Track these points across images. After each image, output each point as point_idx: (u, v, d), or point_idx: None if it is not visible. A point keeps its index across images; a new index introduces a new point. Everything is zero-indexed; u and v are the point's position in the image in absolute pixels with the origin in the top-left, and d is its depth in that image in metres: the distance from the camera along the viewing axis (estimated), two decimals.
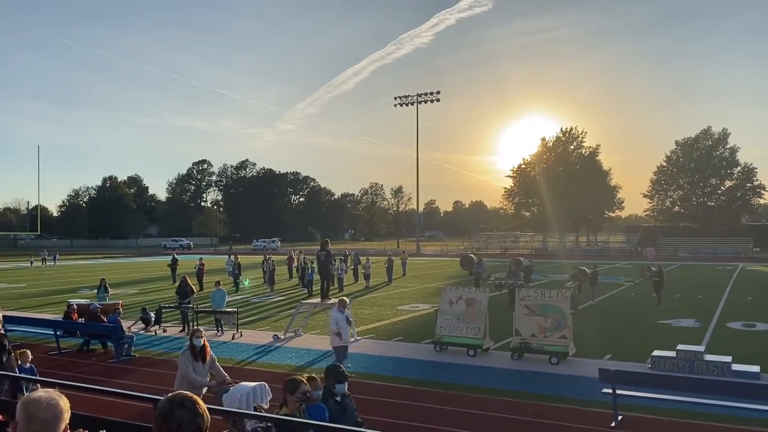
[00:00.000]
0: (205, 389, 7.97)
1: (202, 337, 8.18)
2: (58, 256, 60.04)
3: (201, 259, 33.96)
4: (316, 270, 25.26)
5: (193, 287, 20.45)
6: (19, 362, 9.34)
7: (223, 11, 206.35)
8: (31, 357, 9.70)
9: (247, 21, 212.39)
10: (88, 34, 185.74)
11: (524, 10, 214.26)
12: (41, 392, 2.44)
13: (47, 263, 55.17)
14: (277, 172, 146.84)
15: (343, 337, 12.21)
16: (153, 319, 18.35)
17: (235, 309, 18.04)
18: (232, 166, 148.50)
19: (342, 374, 6.66)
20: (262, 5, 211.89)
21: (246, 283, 31.72)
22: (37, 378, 8.71)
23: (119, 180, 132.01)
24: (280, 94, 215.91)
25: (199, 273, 30.92)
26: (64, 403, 2.40)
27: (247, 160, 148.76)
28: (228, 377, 8.18)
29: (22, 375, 8.65)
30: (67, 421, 2.40)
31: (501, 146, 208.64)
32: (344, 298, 13.24)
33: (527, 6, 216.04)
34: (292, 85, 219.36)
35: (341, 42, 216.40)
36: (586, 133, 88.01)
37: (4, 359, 8.63)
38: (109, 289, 22.22)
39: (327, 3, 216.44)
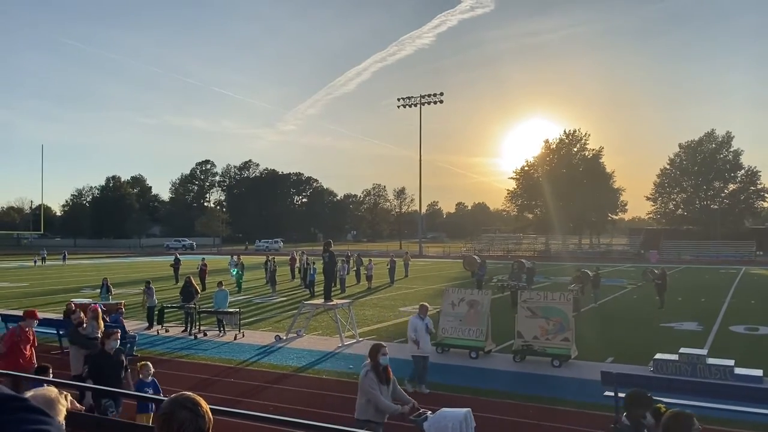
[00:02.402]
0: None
1: (387, 354, 7.05)
2: (67, 255, 60.38)
3: (203, 259, 34.00)
4: (318, 271, 25.33)
5: (197, 287, 20.47)
6: (140, 376, 8.43)
7: (224, 11, 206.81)
8: (153, 370, 8.70)
9: (248, 21, 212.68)
10: (89, 34, 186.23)
11: (526, 12, 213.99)
12: (32, 391, 2.46)
13: (46, 262, 55.26)
14: (280, 173, 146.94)
15: (421, 346, 11.43)
16: (156, 302, 19.05)
17: (238, 309, 18.05)
18: (235, 167, 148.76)
19: (650, 400, 5.45)
20: (262, 5, 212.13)
21: (234, 272, 31.42)
22: (160, 397, 7.67)
23: (122, 180, 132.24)
24: (282, 95, 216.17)
25: (202, 273, 30.97)
26: (54, 395, 2.40)
27: (250, 160, 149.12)
28: (414, 401, 6.98)
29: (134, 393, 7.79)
30: (64, 412, 2.40)
31: (504, 148, 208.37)
32: (425, 303, 12.36)
33: (529, 7, 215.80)
34: (293, 85, 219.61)
35: (342, 43, 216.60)
36: (589, 135, 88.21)
37: (122, 375, 8.15)
38: (112, 289, 22.26)
39: (328, 3, 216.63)
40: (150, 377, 8.48)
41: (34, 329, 10.20)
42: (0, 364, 9.39)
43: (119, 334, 8.83)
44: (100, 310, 10.85)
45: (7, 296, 27.56)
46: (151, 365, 8.68)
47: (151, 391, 8.07)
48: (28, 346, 9.86)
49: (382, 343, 7.24)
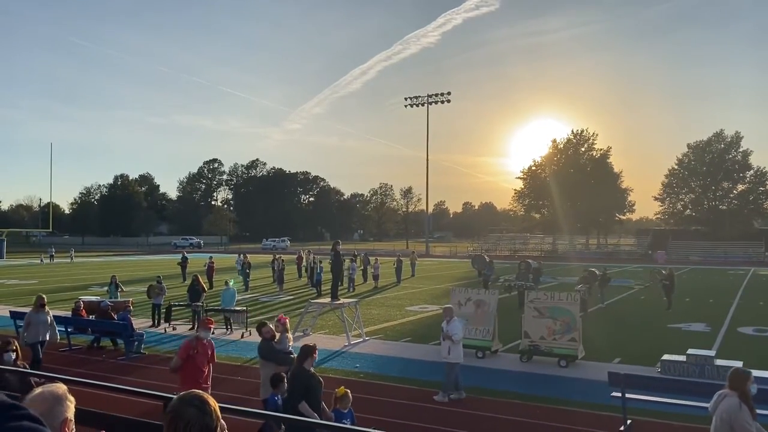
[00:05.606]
0: None
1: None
2: (74, 252, 60.79)
3: (211, 257, 34.10)
4: (325, 270, 25.36)
5: (204, 286, 20.55)
6: (338, 406, 7.39)
7: (231, 11, 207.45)
8: (351, 400, 7.51)
9: (255, 21, 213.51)
10: (97, 33, 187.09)
11: (531, 11, 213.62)
12: (41, 387, 2.47)
13: (54, 260, 55.54)
14: (287, 172, 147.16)
15: (444, 351, 10.85)
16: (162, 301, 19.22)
17: (245, 308, 18.11)
18: (242, 166, 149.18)
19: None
20: (268, 5, 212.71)
21: (231, 283, 30.93)
22: (359, 428, 6.39)
23: (130, 178, 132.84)
24: (287, 94, 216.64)
25: (209, 271, 31.06)
26: (62, 391, 2.41)
27: (257, 159, 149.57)
28: None
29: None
30: (72, 409, 2.42)
31: (511, 147, 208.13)
32: (448, 305, 11.89)
33: (534, 6, 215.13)
34: (298, 84, 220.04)
35: (348, 42, 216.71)
36: (597, 135, 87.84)
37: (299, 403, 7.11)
38: (121, 287, 22.35)
39: (333, 3, 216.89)
40: (348, 408, 7.48)
41: (212, 341, 8.96)
42: (178, 379, 8.55)
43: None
44: (288, 321, 9.72)
45: (18, 293, 27.74)
46: (350, 394, 7.56)
47: (348, 422, 7.22)
48: (205, 361, 8.53)
49: (746, 368, 5.96)
